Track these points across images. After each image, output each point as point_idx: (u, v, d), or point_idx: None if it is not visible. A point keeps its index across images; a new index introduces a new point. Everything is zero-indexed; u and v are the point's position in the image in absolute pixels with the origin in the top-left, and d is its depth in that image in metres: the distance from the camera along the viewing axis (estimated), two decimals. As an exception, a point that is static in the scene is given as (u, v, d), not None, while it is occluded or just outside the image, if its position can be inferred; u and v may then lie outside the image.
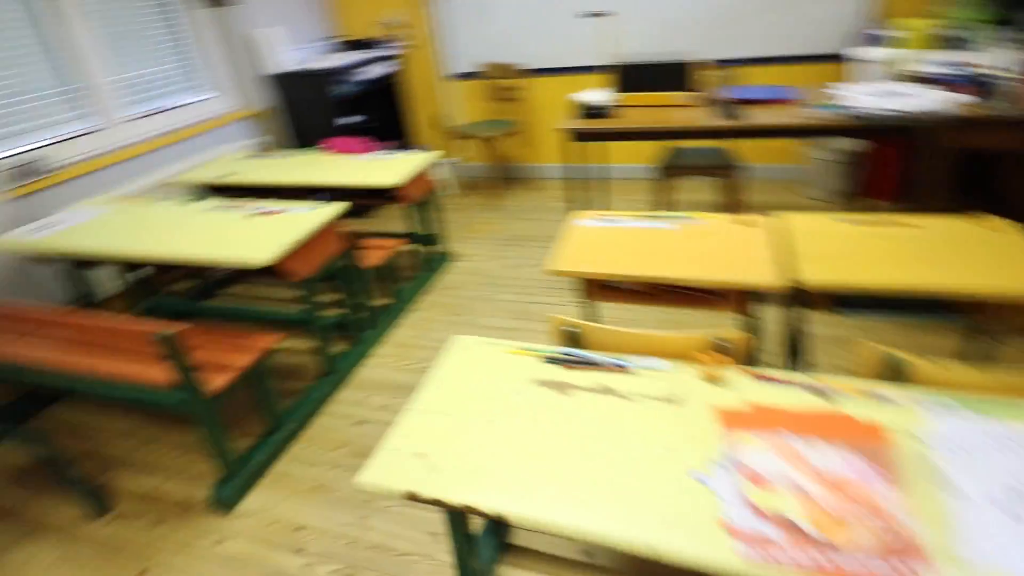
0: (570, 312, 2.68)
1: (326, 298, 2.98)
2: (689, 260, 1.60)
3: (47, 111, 2.83)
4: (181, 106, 3.53)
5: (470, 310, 2.86)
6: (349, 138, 3.05)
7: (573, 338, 1.41)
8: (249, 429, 2.19)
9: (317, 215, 2.16)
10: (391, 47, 4.26)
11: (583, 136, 2.71)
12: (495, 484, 1.01)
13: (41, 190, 2.68)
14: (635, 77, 2.86)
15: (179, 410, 1.79)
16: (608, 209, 2.70)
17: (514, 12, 4.00)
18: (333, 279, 2.42)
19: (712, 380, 1.19)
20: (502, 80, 4.16)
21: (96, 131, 3.03)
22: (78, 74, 2.94)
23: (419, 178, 2.84)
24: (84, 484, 1.84)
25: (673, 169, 2.95)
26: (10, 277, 2.45)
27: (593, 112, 2.74)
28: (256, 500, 1.88)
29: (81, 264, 2.51)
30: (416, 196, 2.87)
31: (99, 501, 1.87)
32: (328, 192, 2.82)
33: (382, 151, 3.04)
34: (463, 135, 3.95)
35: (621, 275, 1.63)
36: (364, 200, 2.99)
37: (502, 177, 4.58)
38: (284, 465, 2.01)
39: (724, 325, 1.83)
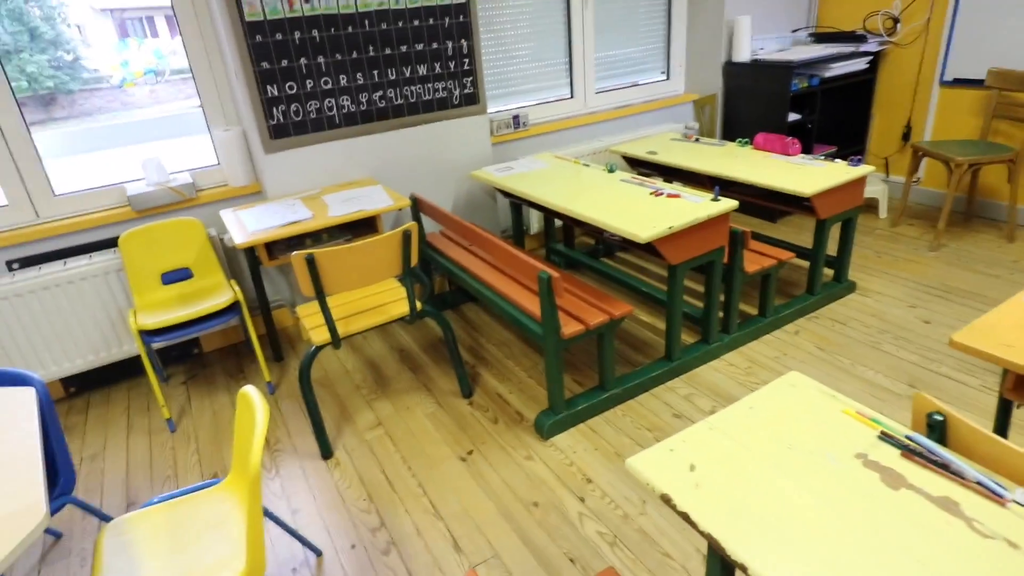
0: (976, 403, 2.06)
1: (693, 288, 3.00)
2: None
3: (548, 77, 3.52)
4: (639, 85, 3.90)
5: (848, 353, 2.46)
6: (773, 135, 2.89)
7: (936, 429, 1.11)
8: (584, 379, 2.43)
9: (707, 207, 2.15)
10: (871, 43, 3.76)
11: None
12: (753, 533, 0.91)
13: (515, 140, 3.40)
14: None
15: (537, 340, 2.11)
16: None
17: (1064, 6, 3.02)
18: (706, 270, 2.40)
19: None
20: (1015, 93, 3.24)
21: (568, 99, 3.63)
22: (576, 49, 3.53)
23: (843, 191, 2.52)
24: (463, 369, 2.37)
25: None
26: (476, 200, 3.22)
27: None
28: (566, 440, 2.11)
29: (519, 202, 3.12)
30: (833, 211, 2.56)
31: (467, 386, 2.38)
32: (720, 185, 2.76)
33: (811, 156, 2.78)
34: (931, 153, 3.27)
35: (1062, 381, 1.17)
36: (772, 203, 2.83)
37: (962, 212, 3.65)
38: (599, 422, 2.18)
39: None
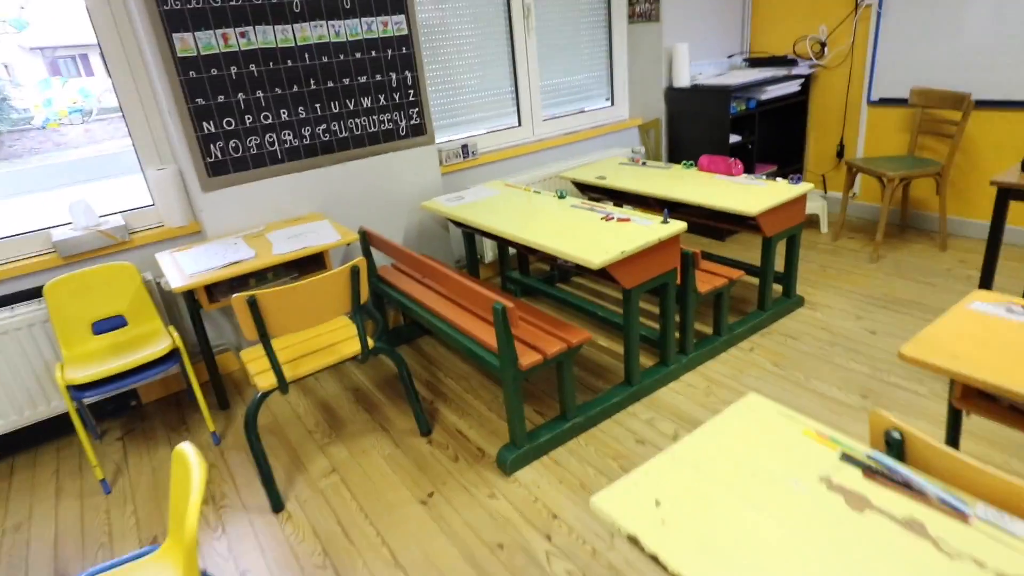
0: (927, 412, 2.11)
1: (649, 310, 3.01)
2: None
3: (494, 106, 3.53)
4: (585, 111, 3.96)
5: (802, 367, 2.50)
6: (717, 157, 2.96)
7: (893, 447, 1.11)
8: (545, 409, 2.38)
9: (657, 230, 2.17)
10: (802, 66, 3.93)
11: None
12: (722, 569, 0.88)
13: (465, 170, 3.38)
14: None
15: (494, 372, 2.06)
16: (1038, 295, 2.00)
17: (977, 27, 3.22)
18: (660, 293, 2.41)
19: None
20: (936, 110, 3.43)
21: (516, 127, 3.65)
22: (521, 77, 3.56)
23: (786, 209, 2.58)
24: (419, 407, 2.29)
25: None
26: (428, 231, 3.17)
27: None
28: (530, 474, 2.05)
29: (471, 232, 3.08)
30: (778, 228, 2.62)
31: (425, 424, 2.30)
32: (668, 207, 2.80)
33: (754, 175, 2.86)
34: (863, 169, 3.41)
35: (1009, 390, 1.20)
36: (719, 223, 2.88)
37: (897, 224, 3.81)
38: (562, 454, 2.13)
39: None
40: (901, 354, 1.36)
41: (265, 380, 1.94)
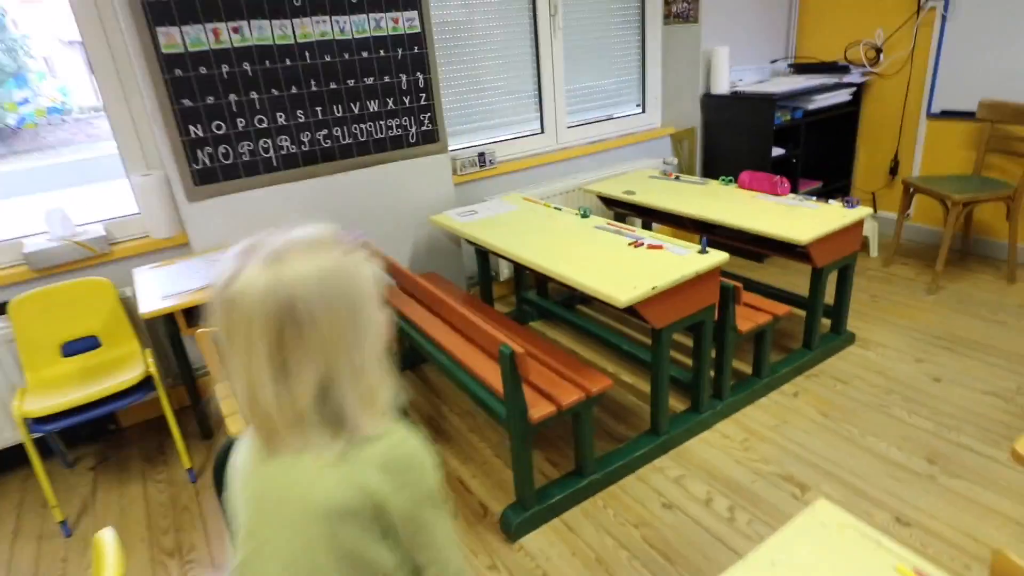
0: (1007, 483, 1.78)
1: (681, 342, 2.70)
2: None
3: (515, 111, 3.27)
4: (613, 118, 3.67)
5: (855, 419, 2.18)
6: (760, 173, 2.65)
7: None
8: (558, 458, 2.10)
9: (694, 260, 1.87)
10: (854, 74, 3.59)
11: None
12: None
13: (480, 180, 3.11)
14: None
15: (500, 423, 1.79)
16: None
17: (1058, 36, 2.86)
18: (694, 330, 2.11)
19: None
20: (1009, 126, 3.06)
21: (539, 135, 3.37)
22: (545, 80, 3.28)
23: (840, 236, 2.27)
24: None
25: None
26: (439, 246, 2.91)
27: None
28: (538, 541, 1.77)
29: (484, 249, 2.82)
30: (830, 258, 2.31)
31: (422, 469, 2.04)
32: (704, 229, 2.50)
33: (802, 196, 2.54)
34: (923, 189, 3.06)
35: None
36: (759, 248, 2.58)
37: (957, 250, 3.45)
38: (576, 516, 1.85)
39: None
40: (1016, 452, 1.06)
41: (237, 424, 1.70)
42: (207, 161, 2.23)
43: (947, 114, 3.34)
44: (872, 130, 3.72)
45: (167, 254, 2.39)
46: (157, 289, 1.99)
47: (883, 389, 2.33)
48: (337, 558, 0.71)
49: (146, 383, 2.08)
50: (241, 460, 0.79)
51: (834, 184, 3.85)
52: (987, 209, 3.29)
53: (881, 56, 3.54)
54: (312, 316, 0.68)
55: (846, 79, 3.55)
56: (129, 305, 2.26)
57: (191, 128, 2.17)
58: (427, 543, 0.77)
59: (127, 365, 2.11)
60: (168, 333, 2.20)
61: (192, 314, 2.08)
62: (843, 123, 3.76)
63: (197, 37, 2.10)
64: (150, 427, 2.50)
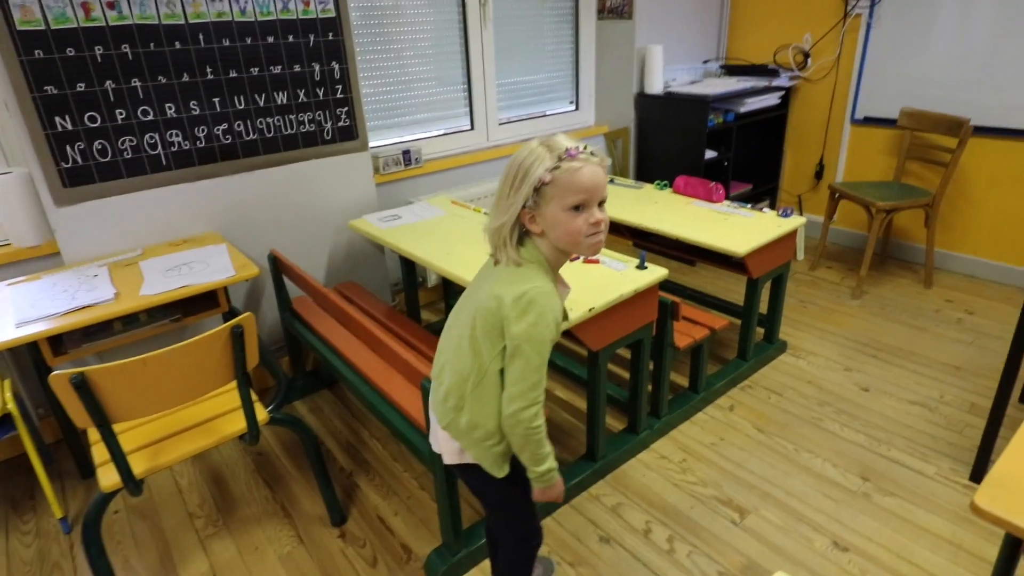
0: (938, 499, 1.77)
1: (617, 355, 2.60)
2: None
3: (443, 106, 3.05)
4: (547, 115, 3.53)
5: (790, 433, 2.15)
6: (695, 179, 2.58)
7: None
8: (492, 487, 1.95)
9: (633, 277, 1.76)
10: (783, 77, 3.60)
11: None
12: None
13: (406, 179, 2.89)
14: None
15: (421, 460, 1.61)
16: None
17: (978, 45, 2.94)
18: (631, 347, 2.00)
19: None
20: (928, 135, 3.14)
21: (468, 131, 3.18)
22: (475, 74, 3.08)
23: (775, 247, 2.22)
24: (331, 492, 1.82)
25: None
26: (359, 251, 2.68)
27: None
28: (467, 588, 1.62)
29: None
30: (765, 269, 2.26)
31: (338, 512, 1.83)
32: (643, 239, 2.40)
33: (732, 202, 2.49)
34: (849, 195, 3.10)
35: None
36: (691, 256, 2.51)
37: (877, 253, 3.54)
38: (509, 557, 1.71)
39: None
40: (975, 507, 0.99)
41: (108, 476, 1.44)
42: (78, 158, 1.91)
43: (870, 120, 3.41)
44: (799, 134, 3.76)
45: (32, 266, 2.04)
46: (14, 312, 1.68)
47: (815, 400, 2.32)
48: (471, 333, 1.09)
49: (4, 420, 1.76)
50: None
51: (763, 187, 3.87)
52: (906, 215, 3.38)
53: (809, 61, 3.57)
54: (503, 179, 1.09)
55: (775, 82, 3.56)
56: (-17, 327, 1.92)
57: (57, 120, 1.84)
58: (517, 366, 1.05)
59: (-21, 400, 1.78)
60: (33, 360, 1.88)
61: (62, 340, 1.78)
62: (772, 126, 3.78)
63: (62, 12, 1.78)
64: (17, 466, 2.16)
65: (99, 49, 1.86)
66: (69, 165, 1.90)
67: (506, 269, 1.10)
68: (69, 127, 1.87)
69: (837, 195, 3.18)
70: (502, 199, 1.08)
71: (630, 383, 2.04)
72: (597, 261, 1.88)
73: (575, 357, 2.52)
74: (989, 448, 1.85)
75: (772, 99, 3.58)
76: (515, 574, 1.39)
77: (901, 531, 1.73)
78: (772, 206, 3.96)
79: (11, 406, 1.74)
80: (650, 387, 2.11)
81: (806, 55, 3.57)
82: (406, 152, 2.85)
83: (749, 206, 2.45)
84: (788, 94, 3.68)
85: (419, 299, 2.80)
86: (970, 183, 3.13)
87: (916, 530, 1.73)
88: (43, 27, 1.77)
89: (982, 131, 2.98)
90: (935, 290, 3.14)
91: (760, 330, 2.65)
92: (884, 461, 2.00)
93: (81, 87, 1.86)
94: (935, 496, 1.85)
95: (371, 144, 2.65)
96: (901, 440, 2.09)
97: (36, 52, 1.77)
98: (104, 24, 1.85)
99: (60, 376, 1.25)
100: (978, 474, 1.88)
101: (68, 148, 1.88)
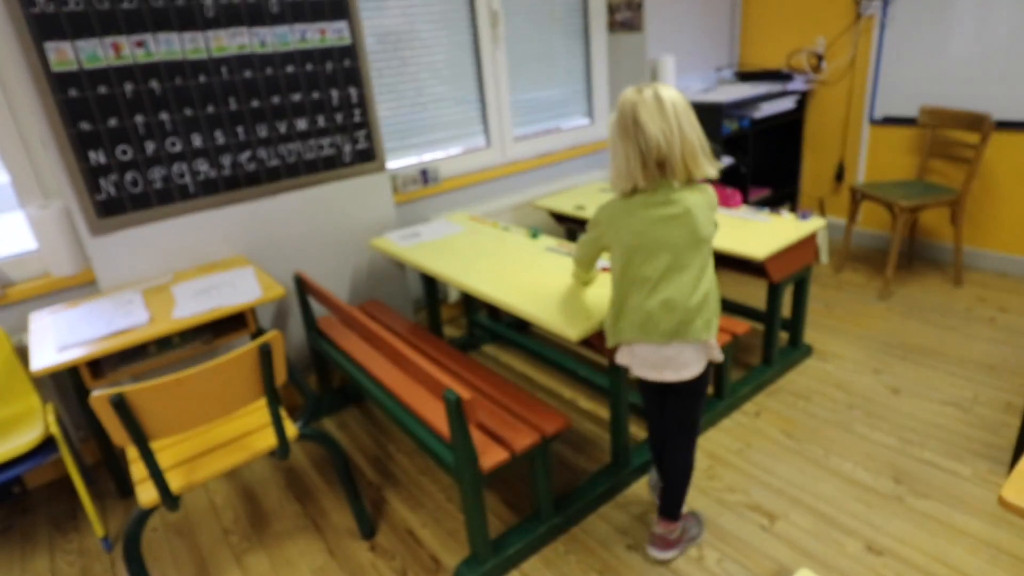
0: (974, 501, 1.73)
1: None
2: None
3: (459, 125, 3.11)
4: (560, 130, 3.57)
5: (818, 438, 2.12)
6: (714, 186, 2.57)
7: None
8: (515, 498, 1.96)
9: (651, 285, 1.76)
10: (797, 81, 3.59)
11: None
12: None
13: (424, 198, 2.95)
14: None
15: (447, 470, 1.63)
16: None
17: (994, 39, 2.91)
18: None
19: None
20: (950, 132, 3.10)
21: (484, 149, 3.23)
22: (488, 93, 3.14)
23: (796, 249, 2.21)
24: (361, 505, 1.84)
25: None
26: (381, 270, 2.73)
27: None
28: (495, 599, 1.62)
29: (431, 272, 2.65)
30: (786, 273, 2.24)
31: (368, 524, 1.86)
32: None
33: (750, 207, 2.48)
34: (871, 196, 3.06)
35: None
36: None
37: (904, 253, 3.48)
38: (536, 566, 1.71)
39: None
40: (1004, 500, 0.97)
41: (147, 493, 1.49)
42: (112, 191, 2.00)
43: (889, 120, 3.37)
44: (817, 137, 3.73)
45: (71, 294, 2.14)
46: (55, 338, 1.76)
47: (844, 404, 2.28)
48: (692, 237, 1.39)
49: (48, 443, 1.84)
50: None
51: (782, 191, 3.85)
52: (931, 213, 3.33)
53: (823, 64, 3.56)
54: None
55: (790, 87, 3.55)
56: (27, 355, 2.00)
57: (91, 154, 1.94)
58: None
59: (25, 425, 1.86)
60: (74, 384, 1.96)
61: (100, 363, 1.85)
62: (789, 130, 3.76)
63: (93, 53, 1.88)
64: (60, 488, 2.23)
65: (128, 86, 1.96)
66: (103, 197, 1.99)
67: (687, 188, 1.40)
68: (102, 161, 1.97)
69: (859, 196, 3.15)
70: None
71: (653, 391, 2.04)
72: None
73: (598, 367, 2.52)
74: (1026, 447, 1.80)
75: (788, 103, 3.57)
76: (690, 466, 1.63)
77: (937, 533, 1.69)
78: (793, 209, 3.93)
79: (54, 429, 1.82)
80: (673, 394, 2.10)
81: (820, 58, 3.56)
82: (424, 171, 2.91)
83: (767, 210, 2.45)
84: (804, 98, 3.67)
85: (441, 315, 2.84)
86: (996, 178, 3.07)
87: (953, 532, 1.69)
88: (76, 68, 1.87)
89: (1005, 125, 2.93)
90: (965, 288, 3.08)
91: (784, 334, 2.62)
92: (917, 463, 1.96)
93: (113, 122, 1.96)
94: (971, 497, 1.80)
95: (389, 165, 2.71)
96: (934, 442, 2.05)
97: (70, 91, 1.87)
98: (133, 62, 1.95)
99: (100, 396, 1.30)
100: (1016, 474, 1.82)
101: (102, 180, 1.98)
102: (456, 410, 1.44)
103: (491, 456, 1.55)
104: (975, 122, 2.86)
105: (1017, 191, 3.03)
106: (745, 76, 3.83)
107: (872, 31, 3.30)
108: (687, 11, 3.60)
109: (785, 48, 3.69)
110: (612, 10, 3.47)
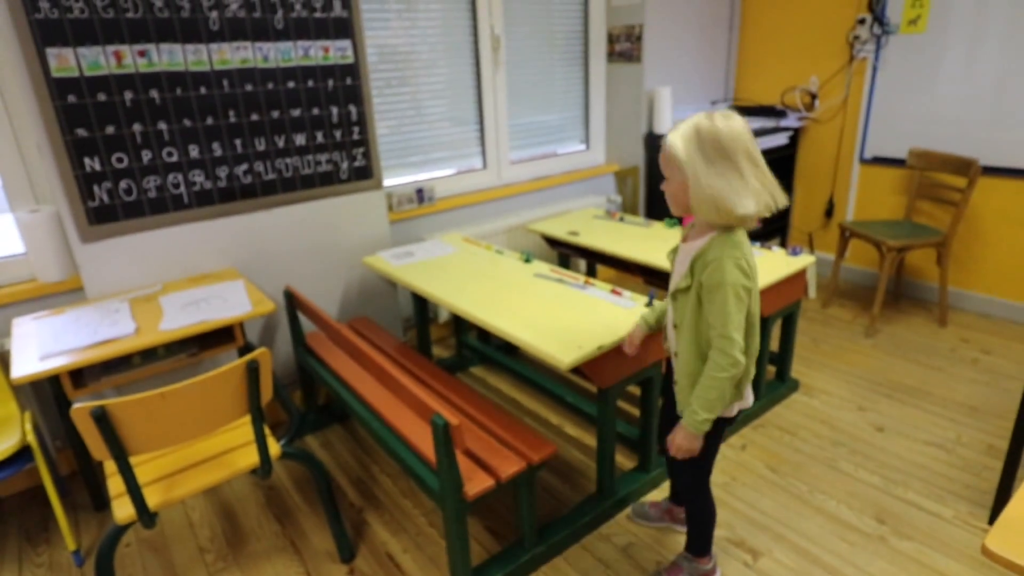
0: (957, 545, 1.73)
1: (625, 392, 2.60)
2: None
3: (457, 146, 3.13)
4: (557, 155, 3.60)
5: (803, 474, 2.12)
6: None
7: None
8: (496, 523, 1.94)
9: (641, 315, 1.77)
10: (791, 118, 3.66)
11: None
12: None
13: (419, 217, 2.96)
14: None
15: (432, 498, 1.62)
16: (1097, 418, 1.67)
17: (984, 86, 2.98)
18: (641, 384, 2.01)
19: None
20: (938, 175, 3.17)
21: (481, 171, 3.25)
22: (487, 116, 3.17)
23: (786, 284, 2.23)
24: (340, 527, 1.82)
25: None
26: (372, 287, 2.72)
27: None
28: (474, 630, 1.60)
29: (422, 291, 2.65)
30: (776, 307, 2.26)
31: (347, 547, 1.83)
32: (652, 277, 2.43)
33: (744, 242, 2.51)
34: (860, 234, 3.11)
35: None
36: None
37: (890, 291, 3.52)
38: (517, 597, 1.69)
39: None
40: (987, 550, 0.98)
41: (123, 509, 1.46)
42: (105, 198, 1.98)
43: (879, 160, 3.44)
44: (808, 173, 3.80)
45: (57, 300, 2.11)
46: (38, 345, 1.73)
47: (829, 440, 2.29)
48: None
49: (24, 452, 1.79)
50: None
51: (772, 225, 3.90)
52: (918, 253, 3.38)
53: (816, 102, 3.63)
54: None
55: (783, 123, 3.61)
56: (7, 361, 1.97)
57: (86, 161, 1.93)
58: (710, 312, 1.29)
59: (1, 433, 1.81)
60: (54, 393, 1.92)
61: (82, 373, 1.82)
62: (781, 165, 3.82)
63: (95, 60, 1.88)
64: (34, 497, 2.18)
65: (128, 94, 1.96)
66: (96, 204, 1.97)
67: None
68: (97, 168, 1.95)
69: (848, 233, 3.19)
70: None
71: (640, 420, 2.04)
72: (603, 298, 1.90)
73: (585, 394, 2.52)
74: (1007, 491, 1.81)
75: (781, 139, 3.63)
76: (708, 508, 1.61)
77: (919, 577, 1.69)
78: (783, 244, 3.98)
79: (31, 438, 1.78)
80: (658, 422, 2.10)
81: (813, 96, 3.64)
82: (419, 191, 2.92)
83: (758, 244, 2.47)
84: (797, 134, 3.74)
85: (430, 335, 2.83)
86: (982, 222, 3.13)
87: (934, 575, 1.69)
88: (77, 74, 1.86)
89: (992, 171, 3.00)
90: (950, 329, 3.12)
91: (772, 368, 2.64)
92: (900, 503, 1.97)
93: (110, 130, 1.95)
94: (953, 540, 1.81)
95: (386, 183, 2.72)
96: (918, 482, 2.06)
97: (69, 97, 1.87)
98: (134, 71, 1.95)
99: (81, 409, 1.28)
100: (997, 518, 1.83)
101: (96, 187, 1.96)
102: (443, 435, 1.43)
103: (476, 483, 1.54)
104: (962, 167, 2.93)
105: (1002, 235, 3.09)
106: (740, 111, 3.89)
107: (865, 73, 3.38)
108: (685, 44, 3.67)
109: (780, 85, 3.77)
110: (612, 40, 3.53)
